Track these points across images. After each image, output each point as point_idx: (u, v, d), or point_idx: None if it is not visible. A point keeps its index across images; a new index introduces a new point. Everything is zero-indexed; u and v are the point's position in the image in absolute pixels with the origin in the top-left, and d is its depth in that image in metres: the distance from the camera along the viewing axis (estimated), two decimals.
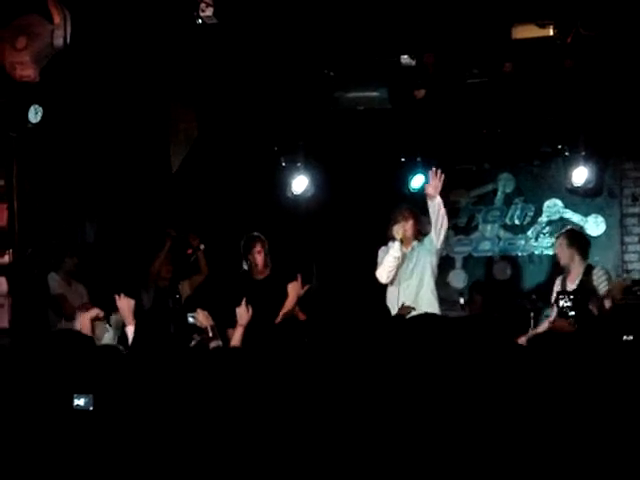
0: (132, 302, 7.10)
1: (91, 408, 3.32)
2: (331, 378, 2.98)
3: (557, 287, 9.12)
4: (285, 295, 9.21)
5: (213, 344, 6.70)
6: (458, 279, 12.22)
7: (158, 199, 10.45)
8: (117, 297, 7.11)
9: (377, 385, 2.94)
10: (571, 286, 8.92)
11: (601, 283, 8.83)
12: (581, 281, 8.87)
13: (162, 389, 3.40)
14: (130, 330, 6.85)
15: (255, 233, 9.47)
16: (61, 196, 9.55)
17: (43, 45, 6.97)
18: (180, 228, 10.33)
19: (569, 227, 10.19)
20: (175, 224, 10.32)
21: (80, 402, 3.33)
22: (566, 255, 9.08)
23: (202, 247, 10.31)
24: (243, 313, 7.29)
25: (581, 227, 11.99)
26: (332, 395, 2.94)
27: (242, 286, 9.11)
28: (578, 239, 9.24)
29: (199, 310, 7.39)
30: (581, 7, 7.96)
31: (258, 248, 9.36)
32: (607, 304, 8.76)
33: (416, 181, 11.76)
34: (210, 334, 6.92)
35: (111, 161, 9.86)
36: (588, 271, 8.94)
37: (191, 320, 7.29)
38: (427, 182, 11.14)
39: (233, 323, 7.43)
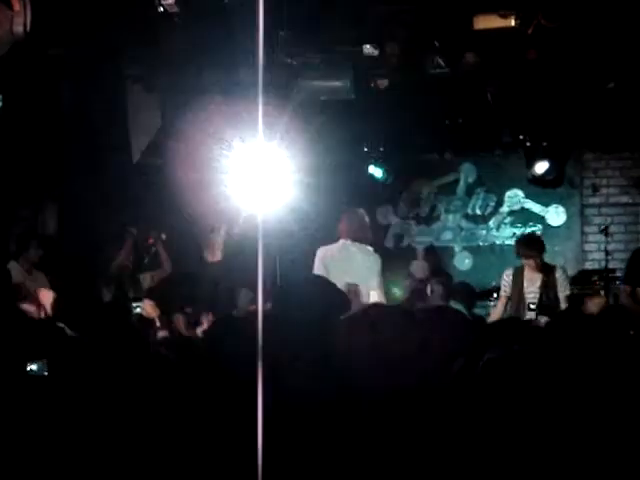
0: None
1: (45, 373, 3.33)
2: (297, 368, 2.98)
3: (508, 282, 9.08)
4: (236, 277, 9.31)
5: (161, 334, 6.66)
6: (420, 269, 12.26)
7: (119, 189, 10.39)
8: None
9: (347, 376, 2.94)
10: (531, 288, 8.90)
11: (566, 285, 8.87)
12: (543, 282, 8.86)
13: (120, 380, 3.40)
14: None
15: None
16: (21, 185, 9.48)
17: (2, 32, 6.90)
18: (141, 219, 10.28)
19: (531, 235, 10.27)
20: (136, 215, 10.27)
21: (34, 367, 3.34)
22: (539, 262, 8.96)
23: (163, 237, 10.27)
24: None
25: (542, 217, 12.09)
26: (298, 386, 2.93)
27: (198, 269, 9.29)
28: (542, 245, 9.14)
29: (146, 300, 7.34)
30: None
31: (224, 229, 9.55)
32: (564, 305, 8.75)
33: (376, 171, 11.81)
34: (158, 324, 6.88)
35: (71, 150, 9.80)
36: (548, 270, 8.94)
37: (138, 310, 7.24)
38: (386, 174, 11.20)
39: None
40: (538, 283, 8.88)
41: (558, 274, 8.90)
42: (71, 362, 3.46)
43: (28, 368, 3.34)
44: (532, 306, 8.68)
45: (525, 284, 8.94)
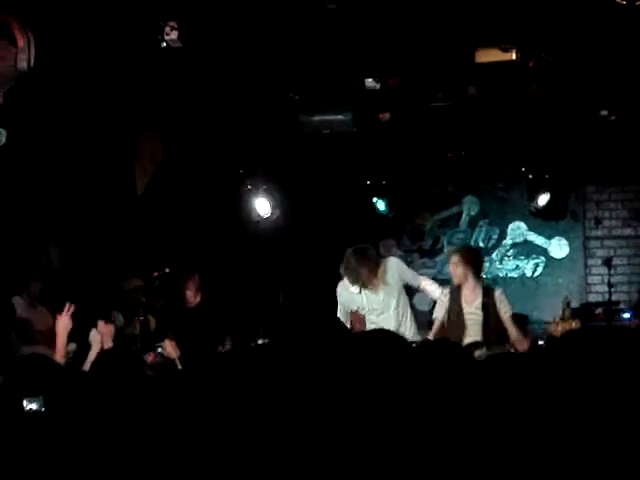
0: (112, 328, 7.03)
1: (43, 409, 3.35)
2: (296, 400, 2.99)
3: (443, 304, 8.59)
4: (217, 321, 9.21)
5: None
6: (424, 301, 12.24)
7: (122, 222, 10.41)
8: (101, 322, 7.03)
9: (343, 406, 2.94)
10: (470, 309, 8.46)
11: (506, 306, 8.43)
12: (484, 304, 8.37)
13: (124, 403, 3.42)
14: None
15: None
16: (25, 219, 9.50)
17: (6, 68, 6.92)
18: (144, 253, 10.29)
19: (465, 245, 10.18)
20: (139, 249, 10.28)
21: (32, 405, 3.35)
22: (461, 273, 8.53)
23: (167, 270, 10.25)
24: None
25: (545, 249, 12.09)
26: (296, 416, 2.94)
27: (175, 316, 9.19)
28: (475, 258, 8.76)
29: (167, 341, 7.35)
30: (543, 32, 8.03)
31: (190, 285, 9.39)
32: (511, 328, 8.34)
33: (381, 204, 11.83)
34: (179, 366, 6.91)
35: (76, 184, 9.82)
36: (488, 292, 8.50)
37: (159, 350, 7.25)
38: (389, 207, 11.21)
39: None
40: (477, 304, 8.49)
41: (497, 293, 8.50)
42: (69, 398, 3.47)
43: (27, 407, 3.34)
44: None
45: (464, 305, 8.52)
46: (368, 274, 8.52)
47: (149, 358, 7.32)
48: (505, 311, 8.40)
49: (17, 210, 9.35)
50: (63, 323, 6.85)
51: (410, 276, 8.91)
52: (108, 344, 6.89)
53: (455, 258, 8.66)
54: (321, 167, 11.56)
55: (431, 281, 9.10)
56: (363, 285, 8.57)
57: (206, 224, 11.43)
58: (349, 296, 8.67)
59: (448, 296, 8.63)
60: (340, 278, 8.78)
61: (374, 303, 8.63)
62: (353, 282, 8.59)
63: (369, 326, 8.53)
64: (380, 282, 8.63)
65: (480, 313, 8.42)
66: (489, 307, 8.40)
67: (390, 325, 8.42)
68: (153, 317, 10.02)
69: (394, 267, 8.75)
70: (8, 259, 9.17)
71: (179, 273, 9.44)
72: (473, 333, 8.32)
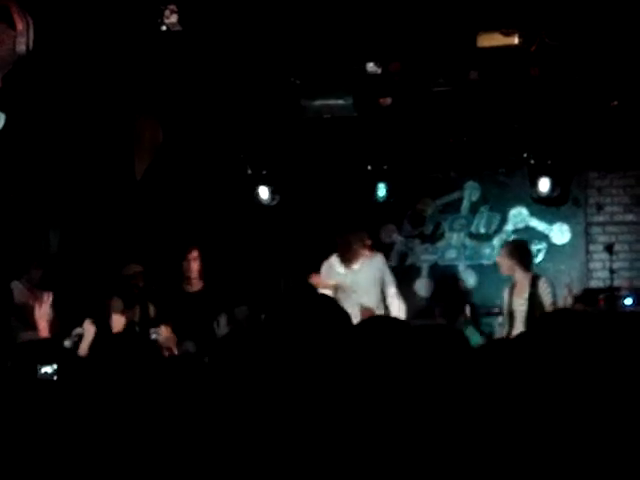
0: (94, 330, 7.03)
1: (55, 378, 3.35)
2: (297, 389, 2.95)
3: (506, 299, 9.15)
4: (218, 308, 9.16)
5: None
6: (424, 288, 12.23)
7: (122, 207, 10.38)
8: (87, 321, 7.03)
9: (342, 393, 2.91)
10: (519, 300, 8.89)
11: (547, 294, 8.79)
12: (530, 294, 8.83)
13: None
14: None
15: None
16: (24, 204, 9.48)
17: (5, 52, 6.86)
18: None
19: (513, 239, 10.37)
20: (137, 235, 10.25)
21: (46, 369, 3.36)
22: (506, 266, 9.04)
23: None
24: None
25: (546, 235, 12.05)
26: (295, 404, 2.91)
27: (176, 300, 9.13)
28: (519, 251, 9.15)
29: (163, 326, 7.33)
30: (545, 16, 7.99)
31: (194, 254, 9.29)
32: None
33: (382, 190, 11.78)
34: (175, 352, 6.89)
35: (75, 169, 9.80)
36: (534, 282, 8.91)
37: (154, 336, 7.23)
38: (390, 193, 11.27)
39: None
40: (525, 295, 8.87)
41: (540, 282, 8.90)
42: (79, 372, 3.47)
43: (42, 371, 3.35)
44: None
45: (514, 297, 8.96)
46: (356, 246, 8.96)
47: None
48: (547, 299, 8.80)
49: (16, 195, 9.33)
50: (40, 312, 6.92)
51: (388, 278, 9.16)
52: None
53: (501, 252, 9.27)
54: (322, 152, 11.52)
55: (399, 298, 9.13)
56: (349, 259, 8.93)
57: (206, 209, 11.41)
58: (334, 275, 8.88)
59: (506, 291, 9.09)
60: None
61: (357, 283, 8.92)
62: (340, 254, 9.03)
63: (351, 306, 8.64)
64: (364, 262, 9.01)
65: (526, 304, 8.81)
66: (535, 298, 8.82)
67: (371, 305, 8.82)
68: (152, 304, 9.99)
69: (382, 261, 9.23)
70: (7, 244, 9.15)
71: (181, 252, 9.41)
72: (520, 324, 8.71)
